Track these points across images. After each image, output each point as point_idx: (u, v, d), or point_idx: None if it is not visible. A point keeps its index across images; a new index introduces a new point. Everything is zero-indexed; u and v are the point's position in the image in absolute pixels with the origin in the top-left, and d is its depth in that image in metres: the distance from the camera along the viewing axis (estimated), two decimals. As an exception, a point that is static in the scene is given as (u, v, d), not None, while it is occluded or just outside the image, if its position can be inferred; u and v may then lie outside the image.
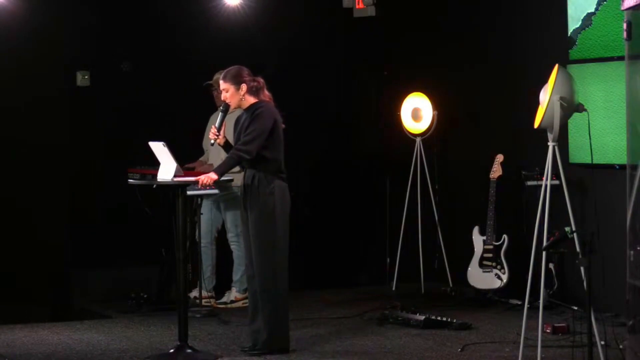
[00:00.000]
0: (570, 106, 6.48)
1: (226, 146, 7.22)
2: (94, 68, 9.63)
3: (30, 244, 9.28)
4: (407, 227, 9.70)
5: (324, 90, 10.13)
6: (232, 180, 8.06)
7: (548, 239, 6.43)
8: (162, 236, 8.78)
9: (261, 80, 7.21)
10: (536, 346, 6.59)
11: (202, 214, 8.86)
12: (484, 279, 8.94)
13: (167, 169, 7.17)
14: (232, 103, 7.18)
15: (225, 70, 7.22)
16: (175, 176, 7.11)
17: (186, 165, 8.15)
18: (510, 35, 9.30)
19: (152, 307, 8.86)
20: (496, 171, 8.91)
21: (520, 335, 6.71)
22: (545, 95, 6.48)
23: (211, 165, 8.73)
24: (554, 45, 8.68)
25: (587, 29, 8.38)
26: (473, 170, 9.33)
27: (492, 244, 8.91)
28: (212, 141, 7.23)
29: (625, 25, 5.68)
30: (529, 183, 8.70)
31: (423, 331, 7.82)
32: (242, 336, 7.66)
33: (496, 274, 8.87)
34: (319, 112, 10.09)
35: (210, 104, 8.99)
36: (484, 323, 8.09)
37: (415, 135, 9.76)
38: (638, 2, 5.47)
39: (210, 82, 8.87)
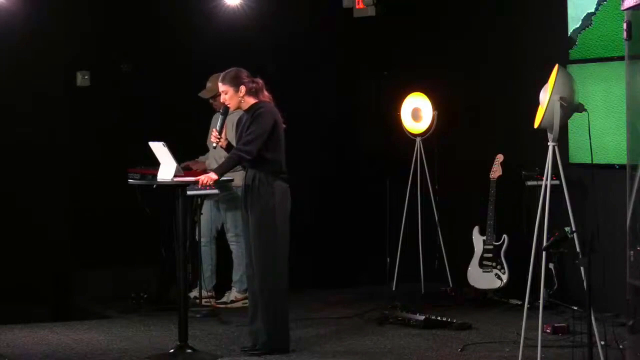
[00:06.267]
0: (570, 106, 6.48)
1: (228, 148, 7.23)
2: (94, 68, 9.63)
3: (30, 243, 9.28)
4: (407, 227, 9.70)
5: (324, 90, 10.13)
6: (232, 180, 8.09)
7: (548, 239, 6.43)
8: (162, 236, 8.79)
9: (260, 81, 7.22)
10: (536, 346, 6.59)
11: (202, 213, 8.89)
12: (484, 279, 8.95)
13: (167, 169, 7.17)
14: (232, 105, 7.19)
15: (224, 72, 7.22)
16: (175, 176, 7.11)
17: (183, 164, 8.16)
18: (510, 35, 9.30)
19: (152, 307, 8.86)
20: (496, 171, 8.91)
21: (520, 335, 6.71)
22: (545, 95, 6.48)
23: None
24: (554, 45, 8.68)
25: (587, 29, 8.38)
26: (473, 170, 9.32)
27: (492, 244, 8.91)
28: (214, 144, 7.24)
29: (625, 25, 5.69)
30: (529, 183, 8.71)
31: (423, 331, 7.83)
32: (242, 336, 7.66)
33: (496, 274, 8.87)
34: (319, 112, 10.09)
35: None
36: (484, 323, 8.09)
37: (415, 135, 9.75)
38: (638, 2, 5.47)
39: (206, 97, 8.91)
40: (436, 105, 9.67)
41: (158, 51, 9.63)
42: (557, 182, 6.74)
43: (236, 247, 8.94)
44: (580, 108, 6.53)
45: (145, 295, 9.01)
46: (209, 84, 8.90)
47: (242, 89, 7.13)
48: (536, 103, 6.61)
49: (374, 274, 10.15)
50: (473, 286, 9.05)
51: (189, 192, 7.45)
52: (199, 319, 8.38)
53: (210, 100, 8.92)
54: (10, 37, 9.19)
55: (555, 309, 8.23)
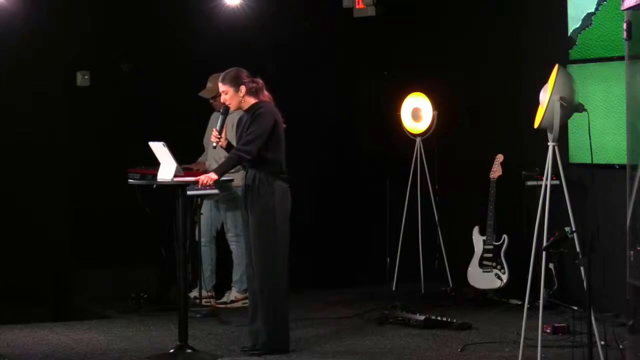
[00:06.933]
0: (570, 106, 6.48)
1: (228, 148, 7.23)
2: (94, 68, 9.63)
3: (30, 243, 9.28)
4: (407, 227, 9.70)
5: (324, 90, 10.12)
6: (232, 180, 8.09)
7: (548, 239, 6.43)
8: (162, 236, 8.79)
9: (260, 81, 7.22)
10: (536, 346, 6.59)
11: (202, 213, 8.89)
12: (484, 279, 8.95)
13: (167, 169, 7.17)
14: (232, 105, 7.18)
15: (224, 73, 7.22)
16: (175, 176, 7.11)
17: (184, 166, 8.17)
18: (510, 35, 9.30)
19: (152, 307, 8.86)
20: (496, 171, 8.91)
21: (520, 335, 6.71)
22: (545, 95, 6.48)
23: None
24: (554, 45, 8.68)
25: (587, 29, 8.38)
26: (473, 170, 9.32)
27: (492, 244, 8.91)
28: (214, 144, 7.24)
29: (625, 25, 5.69)
30: (529, 183, 8.71)
31: (423, 331, 7.83)
32: (242, 336, 7.66)
33: (496, 274, 8.87)
34: (319, 112, 10.09)
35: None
36: (484, 323, 8.09)
37: (415, 135, 9.75)
38: (638, 2, 5.47)
39: (206, 97, 8.92)
40: (436, 105, 9.66)
41: (158, 51, 9.63)
42: (557, 182, 6.74)
43: (236, 247, 8.94)
44: (580, 108, 6.53)
45: (145, 295, 9.01)
46: (209, 84, 8.90)
47: (242, 89, 7.14)
48: (536, 103, 6.60)
49: (374, 274, 10.15)
50: (473, 286, 9.05)
51: (189, 192, 7.45)
52: (199, 319, 8.38)
53: (211, 100, 8.93)
54: (10, 37, 9.19)
55: (555, 309, 8.23)
